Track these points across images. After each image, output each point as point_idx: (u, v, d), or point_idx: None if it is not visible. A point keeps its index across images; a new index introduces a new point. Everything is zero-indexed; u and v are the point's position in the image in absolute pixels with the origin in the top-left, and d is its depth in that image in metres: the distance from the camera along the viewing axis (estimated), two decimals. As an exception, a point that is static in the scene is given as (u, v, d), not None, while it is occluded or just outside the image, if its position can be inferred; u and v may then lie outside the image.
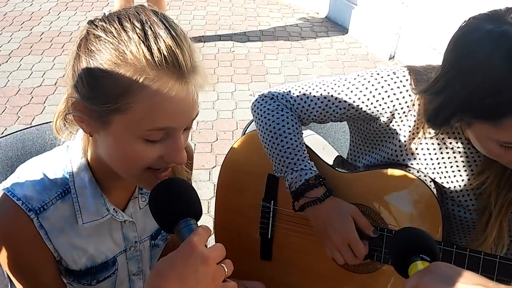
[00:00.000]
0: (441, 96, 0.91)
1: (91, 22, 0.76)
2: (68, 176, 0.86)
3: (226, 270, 0.70)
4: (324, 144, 1.32)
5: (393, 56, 3.97)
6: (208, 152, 2.80)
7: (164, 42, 0.71)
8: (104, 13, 0.78)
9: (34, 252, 0.86)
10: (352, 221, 1.05)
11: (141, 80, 0.70)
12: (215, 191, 1.29)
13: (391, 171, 1.10)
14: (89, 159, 0.87)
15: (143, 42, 0.70)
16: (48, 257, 0.88)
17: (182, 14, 4.65)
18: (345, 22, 4.46)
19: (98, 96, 0.73)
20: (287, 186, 1.10)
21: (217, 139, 2.92)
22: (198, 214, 0.75)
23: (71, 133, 0.89)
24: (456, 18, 1.01)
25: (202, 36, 4.18)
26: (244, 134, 1.44)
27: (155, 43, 0.70)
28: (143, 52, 0.70)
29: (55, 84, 3.36)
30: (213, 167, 2.67)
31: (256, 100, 1.17)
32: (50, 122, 0.90)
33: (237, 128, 3.00)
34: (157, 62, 0.70)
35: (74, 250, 0.90)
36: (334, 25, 4.54)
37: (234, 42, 4.13)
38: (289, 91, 1.14)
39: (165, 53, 0.70)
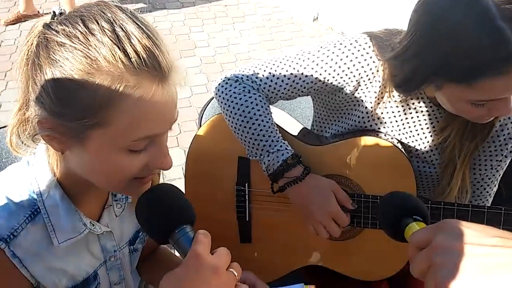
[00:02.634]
0: (412, 62, 0.92)
1: (47, 27, 0.66)
2: (35, 196, 0.77)
3: (236, 274, 0.67)
4: (286, 118, 1.31)
5: (317, 18, 4.02)
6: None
7: (140, 42, 0.63)
8: (54, 12, 0.68)
9: (9, 283, 0.77)
10: (333, 195, 1.06)
11: (121, 89, 0.63)
12: (184, 183, 1.23)
13: (360, 139, 1.11)
14: (57, 175, 0.78)
15: (116, 45, 0.62)
16: (25, 285, 0.79)
17: (92, -9, 4.32)
18: (265, -14, 4.42)
19: (72, 112, 0.65)
20: (264, 169, 1.08)
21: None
22: (192, 218, 0.70)
23: (28, 147, 0.79)
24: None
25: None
26: (201, 120, 1.38)
27: (130, 45, 0.63)
28: (119, 57, 0.62)
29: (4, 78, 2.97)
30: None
31: (219, 84, 1.11)
32: (4, 127, 0.79)
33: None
34: (136, 66, 0.63)
35: (53, 274, 0.82)
36: (255, -10, 4.49)
37: (155, 16, 3.94)
38: (253, 71, 1.10)
39: (144, 55, 0.63)
